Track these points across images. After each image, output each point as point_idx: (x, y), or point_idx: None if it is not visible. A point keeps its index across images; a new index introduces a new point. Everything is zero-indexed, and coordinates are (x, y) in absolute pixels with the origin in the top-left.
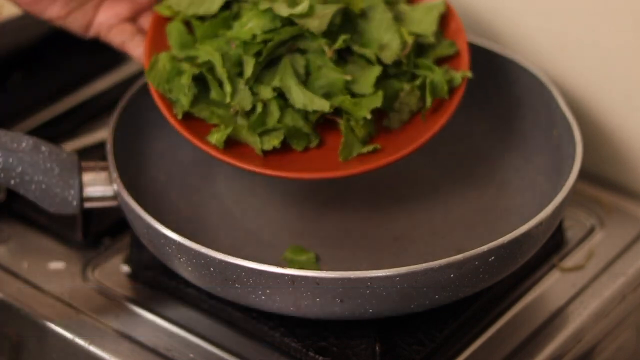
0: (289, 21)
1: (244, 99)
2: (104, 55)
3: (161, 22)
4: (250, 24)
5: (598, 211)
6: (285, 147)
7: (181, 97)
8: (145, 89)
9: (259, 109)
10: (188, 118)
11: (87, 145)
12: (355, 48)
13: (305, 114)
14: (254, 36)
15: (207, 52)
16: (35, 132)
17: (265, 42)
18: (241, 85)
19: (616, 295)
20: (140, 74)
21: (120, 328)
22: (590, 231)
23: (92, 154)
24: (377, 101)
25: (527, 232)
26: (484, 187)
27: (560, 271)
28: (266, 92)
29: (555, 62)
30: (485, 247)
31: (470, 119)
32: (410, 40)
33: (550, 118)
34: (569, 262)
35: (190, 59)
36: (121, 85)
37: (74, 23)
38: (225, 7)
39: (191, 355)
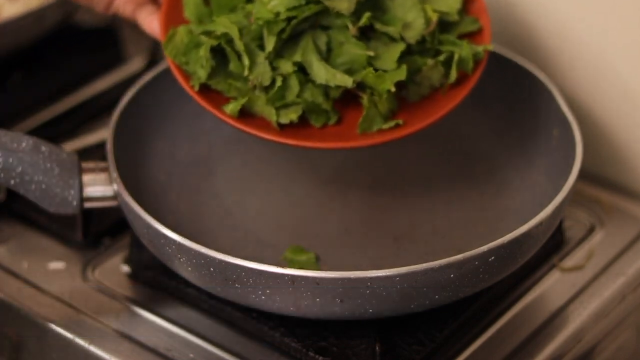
0: None
1: (264, 73)
2: (104, 55)
3: None
4: (274, 2)
5: (598, 211)
6: (301, 121)
7: (198, 69)
8: (145, 88)
9: (279, 82)
10: (206, 89)
11: (87, 145)
12: (379, 26)
13: (325, 90)
14: (277, 14)
15: (224, 25)
16: (35, 132)
17: (288, 19)
18: (260, 59)
19: (616, 295)
20: (140, 73)
21: (120, 328)
22: (590, 231)
23: (92, 154)
24: (402, 74)
25: (527, 232)
26: (484, 187)
27: (560, 271)
28: (286, 66)
29: (556, 62)
30: (485, 247)
31: (470, 119)
32: (434, 17)
33: (550, 118)
34: (569, 262)
35: (208, 33)
36: (121, 85)
37: (100, 3)
38: None
39: (191, 355)
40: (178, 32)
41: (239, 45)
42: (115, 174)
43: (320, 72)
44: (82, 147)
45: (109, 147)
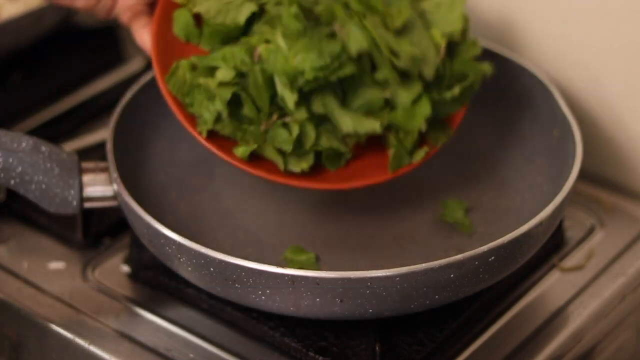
0: (338, 56)
1: (278, 134)
2: (104, 55)
3: (170, 8)
4: (299, 57)
5: (598, 211)
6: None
7: (204, 112)
8: (145, 88)
9: (295, 133)
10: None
11: (87, 145)
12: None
13: (342, 135)
14: (302, 73)
15: (224, 73)
16: (35, 132)
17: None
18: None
19: (616, 295)
20: (140, 73)
21: (120, 328)
22: (590, 231)
23: (92, 154)
24: (426, 109)
25: (527, 232)
26: (484, 187)
27: (560, 271)
28: (301, 114)
29: (556, 62)
30: (485, 247)
31: (470, 119)
32: (443, 43)
33: (550, 118)
34: (569, 262)
35: (210, 71)
36: (121, 85)
37: (101, 10)
38: (252, 17)
39: (191, 355)
40: (180, 67)
41: (248, 104)
42: (115, 174)
43: (346, 121)
44: (82, 147)
45: (109, 147)
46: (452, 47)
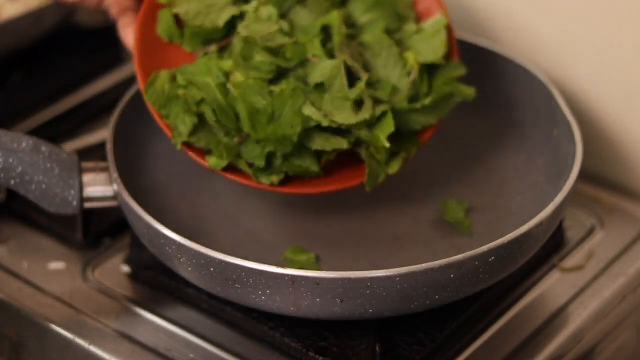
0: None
1: (251, 149)
2: (104, 55)
3: (155, 7)
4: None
5: (598, 211)
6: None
7: (179, 124)
8: None
9: (266, 149)
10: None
11: (87, 145)
12: (372, 93)
13: (315, 153)
14: (284, 137)
15: (200, 91)
16: (35, 132)
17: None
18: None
19: (616, 295)
20: None
21: (120, 328)
22: (590, 231)
23: (92, 154)
24: (389, 126)
25: (527, 232)
26: (484, 187)
27: (560, 271)
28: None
29: (555, 62)
30: (485, 247)
31: (470, 119)
32: (415, 66)
33: (550, 118)
34: (569, 262)
35: (190, 84)
36: (121, 85)
37: (91, 1)
38: (231, 21)
39: (191, 355)
40: (160, 77)
41: (212, 122)
42: (115, 174)
43: (314, 138)
44: (82, 147)
45: (109, 147)
46: (434, 68)
